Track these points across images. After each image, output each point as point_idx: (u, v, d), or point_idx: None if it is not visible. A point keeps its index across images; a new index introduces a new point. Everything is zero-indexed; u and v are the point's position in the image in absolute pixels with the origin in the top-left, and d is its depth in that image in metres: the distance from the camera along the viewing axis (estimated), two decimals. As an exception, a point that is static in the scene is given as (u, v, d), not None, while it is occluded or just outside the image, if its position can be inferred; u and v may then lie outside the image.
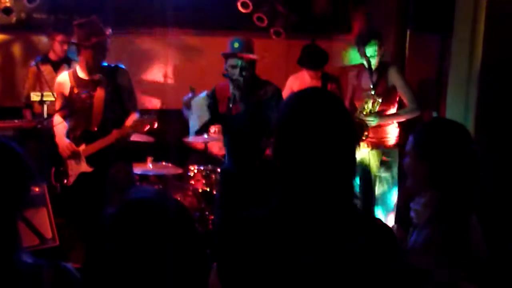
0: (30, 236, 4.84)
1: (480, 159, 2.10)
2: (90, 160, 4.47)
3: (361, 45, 4.79)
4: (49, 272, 1.68)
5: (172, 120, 5.61)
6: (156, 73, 6.69)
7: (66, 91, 4.49)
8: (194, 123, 4.37)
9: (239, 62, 4.14)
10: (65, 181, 4.53)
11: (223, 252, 1.65)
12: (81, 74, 4.49)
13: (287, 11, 6.39)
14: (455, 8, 4.18)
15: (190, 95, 4.33)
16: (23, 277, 1.64)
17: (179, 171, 5.54)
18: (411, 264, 1.34)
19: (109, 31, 4.47)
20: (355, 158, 1.65)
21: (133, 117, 4.54)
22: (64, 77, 4.55)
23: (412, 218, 2.17)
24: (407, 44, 5.79)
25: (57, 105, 4.59)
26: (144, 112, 4.73)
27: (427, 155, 2.10)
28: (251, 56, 4.19)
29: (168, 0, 6.28)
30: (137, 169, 5.29)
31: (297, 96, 1.68)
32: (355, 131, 1.74)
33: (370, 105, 4.75)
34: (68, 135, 4.52)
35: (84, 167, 4.48)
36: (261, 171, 4.11)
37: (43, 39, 5.94)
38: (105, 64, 4.51)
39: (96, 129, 4.48)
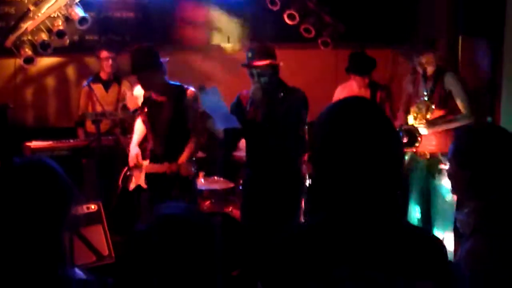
0: (87, 253, 4.94)
1: None
2: (147, 177, 4.54)
3: (415, 54, 4.70)
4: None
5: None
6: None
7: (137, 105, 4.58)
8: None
9: (254, 71, 4.12)
10: (128, 185, 4.63)
11: (267, 269, 1.63)
12: (151, 94, 4.51)
13: (334, 21, 6.34)
14: (505, 12, 4.06)
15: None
16: None
17: (231, 185, 5.55)
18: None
19: (164, 59, 4.46)
20: (400, 169, 1.60)
21: (192, 142, 4.48)
22: (139, 92, 4.63)
23: (459, 229, 2.09)
24: (459, 50, 5.65)
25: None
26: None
27: (468, 163, 2.03)
28: (262, 63, 4.10)
29: (215, 17, 6.35)
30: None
31: (337, 106, 1.64)
32: (400, 141, 1.69)
33: (424, 112, 4.65)
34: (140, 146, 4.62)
35: (142, 181, 4.55)
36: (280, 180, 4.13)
37: (95, 59, 6.08)
38: (176, 83, 4.52)
39: (161, 149, 4.50)
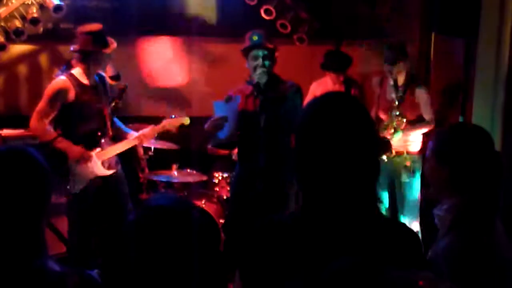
0: (57, 243, 4.90)
1: (502, 162, 2.06)
2: (105, 163, 4.53)
3: (387, 62, 4.79)
4: (73, 280, 1.70)
5: (197, 127, 5.65)
6: (180, 81, 6.72)
7: (70, 98, 4.38)
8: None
9: (260, 53, 4.16)
10: (70, 188, 4.46)
11: (246, 257, 1.65)
12: (83, 80, 4.46)
13: (310, 17, 6.37)
14: (480, 11, 4.13)
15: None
16: (47, 284, 1.65)
17: (204, 178, 5.56)
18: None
19: (113, 42, 4.54)
20: (378, 163, 1.63)
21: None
22: (65, 84, 4.40)
23: (437, 225, 2.13)
24: (432, 49, 5.73)
25: (50, 113, 4.39)
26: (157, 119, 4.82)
27: (447, 160, 2.07)
28: (271, 45, 4.24)
29: (192, 8, 6.32)
30: (162, 177, 5.33)
31: (318, 100, 1.67)
32: (377, 135, 1.73)
33: (394, 124, 4.77)
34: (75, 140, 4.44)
35: (102, 171, 4.50)
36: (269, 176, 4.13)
37: (68, 48, 6.01)
38: None
39: (110, 133, 4.56)
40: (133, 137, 4.64)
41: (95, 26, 4.46)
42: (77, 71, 4.47)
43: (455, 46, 5.28)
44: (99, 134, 4.51)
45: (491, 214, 2.05)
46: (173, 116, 4.76)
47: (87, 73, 4.46)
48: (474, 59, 4.48)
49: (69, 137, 4.42)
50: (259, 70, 4.18)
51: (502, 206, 2.10)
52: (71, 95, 4.38)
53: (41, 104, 4.40)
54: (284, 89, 4.21)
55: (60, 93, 4.37)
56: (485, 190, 2.04)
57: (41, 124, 4.36)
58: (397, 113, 4.75)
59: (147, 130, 4.67)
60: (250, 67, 4.22)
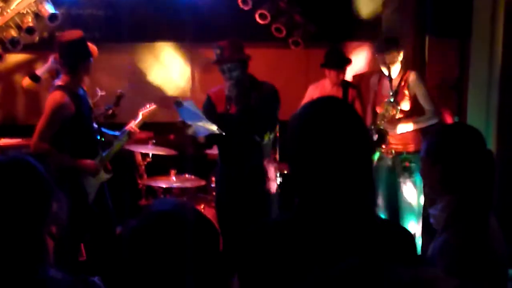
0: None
1: (494, 161, 2.09)
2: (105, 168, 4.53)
3: (380, 52, 4.75)
4: (78, 287, 1.71)
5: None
6: (177, 86, 6.74)
7: (71, 111, 4.20)
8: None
9: (224, 67, 4.14)
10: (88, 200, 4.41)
11: (243, 261, 1.67)
12: (75, 90, 4.30)
13: (305, 21, 6.39)
14: (473, 12, 4.16)
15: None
16: None
17: (202, 183, 5.57)
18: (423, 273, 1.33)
19: (94, 47, 4.52)
20: (370, 165, 1.66)
21: None
22: (65, 97, 4.18)
23: (432, 224, 2.16)
24: (426, 49, 5.76)
25: (53, 130, 4.16)
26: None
27: (439, 159, 2.09)
28: (230, 57, 4.12)
29: (186, 13, 6.34)
30: (161, 182, 5.35)
31: (311, 105, 1.69)
32: (370, 139, 1.75)
33: (390, 112, 4.71)
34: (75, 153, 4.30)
35: (104, 176, 4.48)
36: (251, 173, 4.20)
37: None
38: None
39: (99, 138, 4.53)
40: (122, 136, 4.59)
41: (77, 33, 4.34)
42: (65, 81, 4.27)
43: (449, 47, 5.31)
44: (98, 139, 4.51)
45: (484, 211, 2.07)
46: (148, 106, 4.86)
47: (76, 82, 4.31)
48: (468, 59, 4.51)
49: (73, 150, 4.24)
50: (227, 84, 4.17)
51: (499, 203, 2.12)
52: (72, 108, 4.20)
53: (43, 122, 4.14)
54: (263, 91, 4.19)
55: (63, 107, 4.16)
56: (478, 187, 2.06)
57: (44, 144, 4.11)
58: (391, 100, 4.69)
59: (133, 125, 4.64)
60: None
